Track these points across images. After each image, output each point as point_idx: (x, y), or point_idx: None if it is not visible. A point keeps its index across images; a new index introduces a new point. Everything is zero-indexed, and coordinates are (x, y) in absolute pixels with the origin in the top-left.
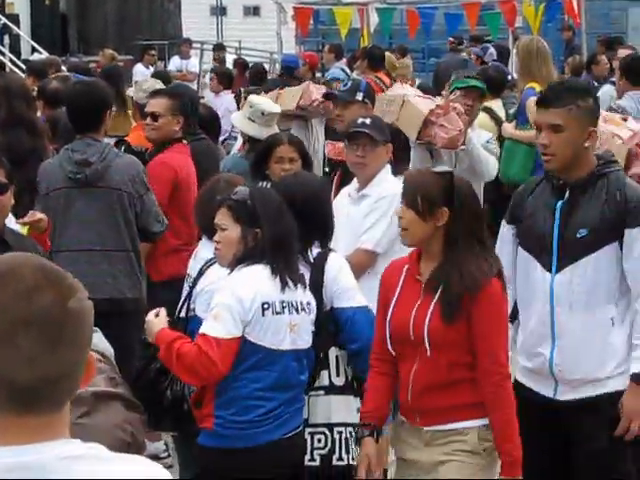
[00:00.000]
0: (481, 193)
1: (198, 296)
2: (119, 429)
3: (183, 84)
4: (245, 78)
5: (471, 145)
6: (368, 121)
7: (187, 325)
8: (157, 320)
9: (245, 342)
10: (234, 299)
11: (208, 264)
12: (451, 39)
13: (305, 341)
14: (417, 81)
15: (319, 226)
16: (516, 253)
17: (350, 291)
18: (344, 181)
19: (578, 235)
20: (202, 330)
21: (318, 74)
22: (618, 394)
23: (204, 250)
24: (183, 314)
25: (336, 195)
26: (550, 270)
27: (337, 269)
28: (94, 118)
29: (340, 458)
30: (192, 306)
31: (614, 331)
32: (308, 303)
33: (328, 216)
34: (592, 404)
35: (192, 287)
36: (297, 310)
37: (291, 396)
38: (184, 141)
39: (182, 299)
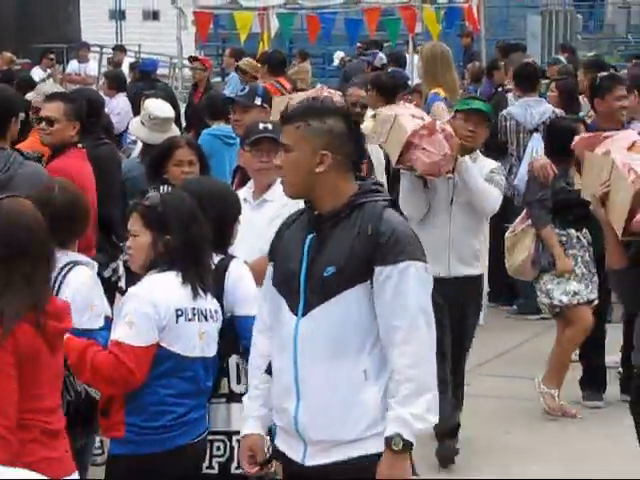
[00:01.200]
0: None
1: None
2: None
3: (88, 88)
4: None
5: (467, 174)
6: (270, 126)
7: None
8: None
9: (159, 348)
10: (149, 306)
11: (62, 273)
12: (359, 44)
13: (212, 349)
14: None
15: (222, 231)
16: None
17: (250, 299)
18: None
19: (325, 273)
20: (117, 338)
21: (217, 78)
22: (376, 457)
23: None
24: None
25: None
26: (296, 314)
27: (238, 276)
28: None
29: (238, 467)
30: None
31: (367, 386)
32: (216, 311)
33: (233, 221)
34: (342, 469)
35: None
36: (206, 318)
37: (198, 402)
38: (79, 145)
39: None
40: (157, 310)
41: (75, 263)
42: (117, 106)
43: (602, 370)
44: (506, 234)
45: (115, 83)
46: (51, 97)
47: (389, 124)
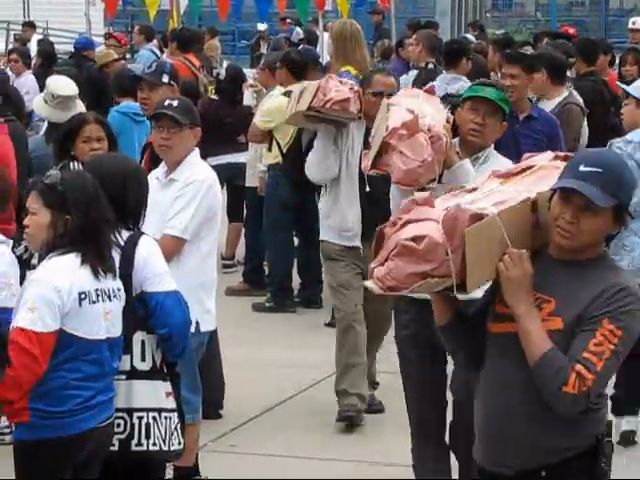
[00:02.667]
0: None
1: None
2: None
3: None
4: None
5: (460, 181)
6: (175, 103)
7: None
8: None
9: (62, 333)
10: (50, 290)
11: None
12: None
13: (118, 328)
14: (225, 63)
15: (131, 208)
16: None
17: (160, 275)
18: (155, 164)
19: None
20: (18, 324)
21: (127, 55)
22: None
23: None
24: None
25: None
26: None
27: (147, 253)
28: None
29: (139, 443)
30: None
31: None
32: (119, 289)
33: (142, 198)
34: None
35: None
36: (110, 298)
37: (106, 385)
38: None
39: None
40: (59, 295)
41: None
42: (25, 84)
43: None
44: None
45: (22, 60)
46: None
47: (380, 114)
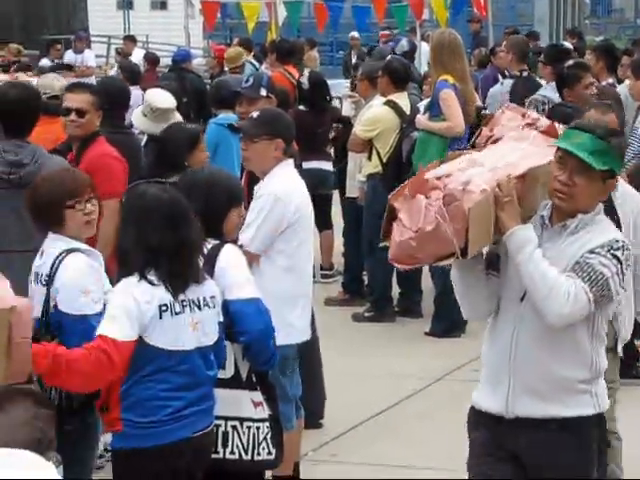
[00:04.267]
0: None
1: (60, 291)
2: (28, 426)
3: (111, 77)
4: (155, 73)
5: (512, 255)
6: (255, 115)
7: (49, 324)
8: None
9: (146, 346)
10: (131, 301)
11: (59, 258)
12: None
13: (210, 337)
14: (306, 72)
15: (215, 218)
16: None
17: (240, 283)
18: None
19: None
20: (99, 331)
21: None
22: None
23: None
24: (39, 315)
25: (246, 192)
26: None
27: (228, 261)
28: (26, 121)
29: (216, 452)
30: (52, 303)
31: None
32: (212, 297)
33: (226, 208)
34: None
35: (48, 284)
36: (199, 307)
37: (200, 394)
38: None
39: (34, 300)
40: (138, 306)
41: (72, 250)
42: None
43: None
44: None
45: (129, 75)
46: (76, 87)
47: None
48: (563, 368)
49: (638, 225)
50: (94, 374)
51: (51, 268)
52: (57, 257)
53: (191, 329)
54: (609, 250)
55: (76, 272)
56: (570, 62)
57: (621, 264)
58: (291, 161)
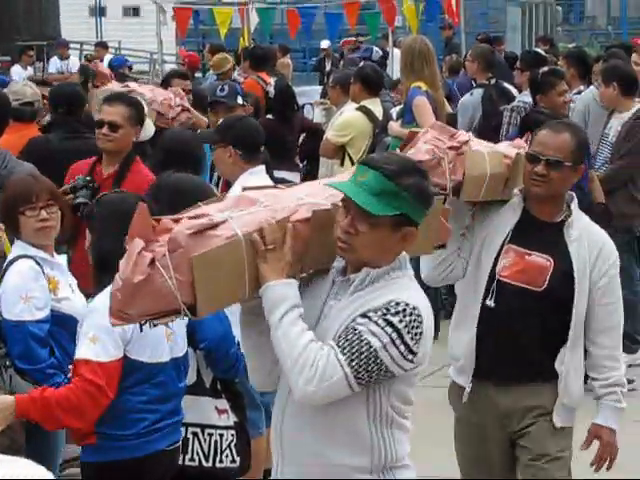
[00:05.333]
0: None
1: (2, 297)
2: None
3: (67, 81)
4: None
5: None
6: (220, 122)
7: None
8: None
9: (127, 360)
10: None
11: (9, 264)
12: (347, 40)
13: (181, 347)
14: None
15: None
16: None
17: None
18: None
19: None
20: (81, 356)
21: (198, 74)
22: None
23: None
24: None
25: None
26: None
27: None
28: None
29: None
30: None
31: None
32: None
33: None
34: None
35: None
36: None
37: (172, 407)
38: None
39: None
40: None
41: (22, 256)
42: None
43: None
44: None
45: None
46: (113, 99)
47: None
48: (337, 454)
49: (596, 272)
50: (87, 406)
51: (2, 274)
52: (8, 263)
53: (166, 340)
54: (384, 315)
55: (17, 278)
56: (545, 68)
57: (399, 332)
58: (258, 169)
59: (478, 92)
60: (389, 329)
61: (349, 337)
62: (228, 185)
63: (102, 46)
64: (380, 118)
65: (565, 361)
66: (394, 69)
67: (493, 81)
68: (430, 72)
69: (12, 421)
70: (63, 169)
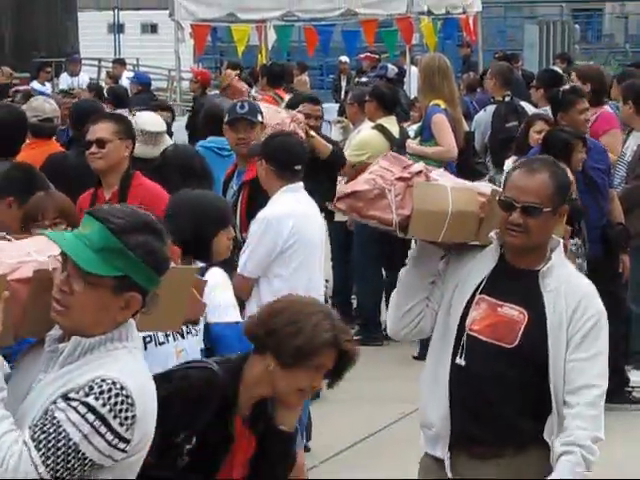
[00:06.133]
0: None
1: None
2: None
3: (90, 100)
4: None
5: None
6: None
7: None
8: None
9: None
10: None
11: None
12: (364, 56)
13: None
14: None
15: (202, 241)
16: None
17: (222, 307)
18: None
19: None
20: None
21: (216, 91)
22: None
23: None
24: None
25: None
26: None
27: (212, 284)
28: (13, 143)
29: None
30: None
31: None
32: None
33: (213, 231)
34: None
35: None
36: (182, 335)
37: None
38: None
39: None
40: None
41: None
42: None
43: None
44: None
45: (116, 98)
46: (98, 118)
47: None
48: None
49: (572, 327)
50: None
51: None
52: None
53: (175, 357)
54: (86, 396)
55: None
56: (566, 86)
57: (102, 419)
58: (293, 186)
59: (491, 109)
60: (90, 416)
61: (46, 428)
62: (250, 199)
63: (120, 63)
64: (397, 136)
65: (555, 431)
66: (412, 87)
67: (508, 98)
68: (449, 90)
69: None
70: (80, 185)
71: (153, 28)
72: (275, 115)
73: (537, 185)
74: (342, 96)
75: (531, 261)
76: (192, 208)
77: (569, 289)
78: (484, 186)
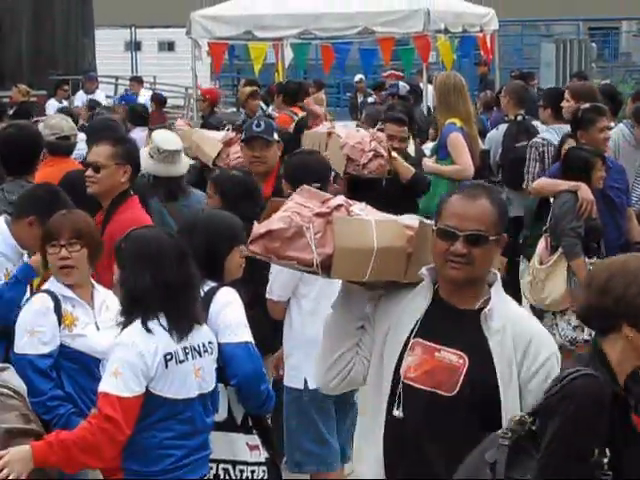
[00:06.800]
0: None
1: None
2: None
3: (109, 117)
4: (162, 113)
5: None
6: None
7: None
8: (14, 450)
9: (151, 396)
10: (135, 355)
11: (28, 297)
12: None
13: (209, 383)
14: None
15: (215, 260)
16: None
17: (231, 327)
18: None
19: None
20: (102, 389)
21: (232, 109)
22: None
23: None
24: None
25: None
26: None
27: (223, 304)
28: (28, 161)
29: None
30: None
31: None
32: (210, 342)
33: (226, 250)
34: None
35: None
36: (200, 353)
37: (199, 443)
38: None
39: None
40: (144, 360)
41: (42, 290)
42: (139, 141)
43: None
44: (536, 265)
45: (135, 116)
46: (99, 140)
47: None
48: None
49: (525, 372)
50: (103, 443)
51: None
52: (29, 297)
53: (194, 376)
54: None
55: (27, 313)
56: (586, 105)
57: None
58: None
59: (503, 127)
60: None
61: None
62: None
63: (137, 81)
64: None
65: None
66: (428, 105)
67: (520, 117)
68: (464, 108)
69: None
70: (96, 204)
71: (170, 46)
72: (354, 134)
73: (480, 212)
74: (359, 115)
75: (470, 297)
76: (205, 226)
77: (516, 330)
78: (409, 218)
